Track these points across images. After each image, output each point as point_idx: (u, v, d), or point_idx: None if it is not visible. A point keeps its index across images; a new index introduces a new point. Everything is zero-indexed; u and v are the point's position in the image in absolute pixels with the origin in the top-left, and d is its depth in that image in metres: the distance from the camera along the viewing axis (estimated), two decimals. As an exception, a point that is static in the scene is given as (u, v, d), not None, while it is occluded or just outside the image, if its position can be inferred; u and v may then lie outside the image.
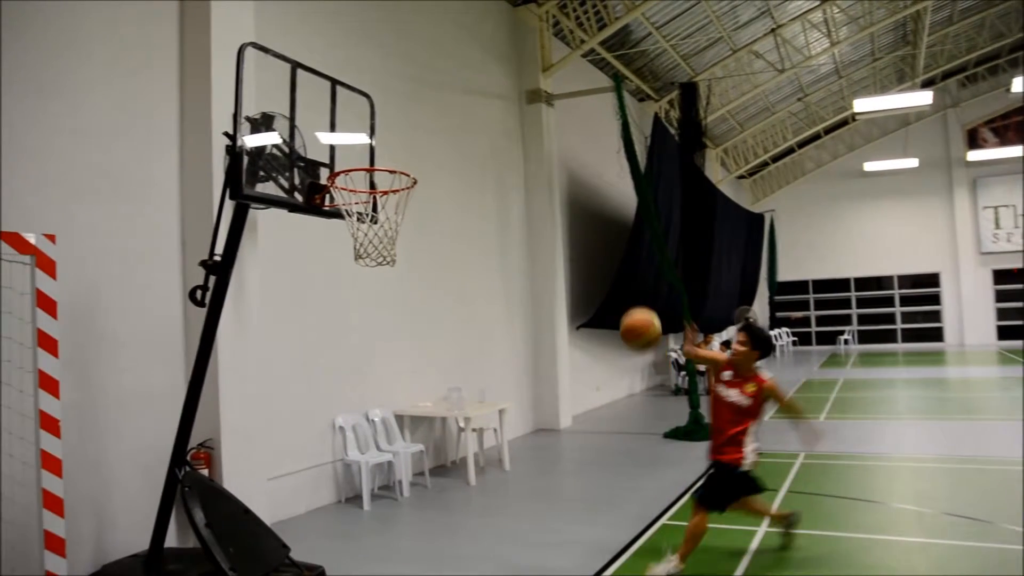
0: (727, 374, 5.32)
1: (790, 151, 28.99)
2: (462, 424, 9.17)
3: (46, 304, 4.61)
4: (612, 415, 14.46)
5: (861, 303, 29.45)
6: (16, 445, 4.66)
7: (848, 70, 23.21)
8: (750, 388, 5.22)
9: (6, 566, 4.71)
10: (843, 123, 27.81)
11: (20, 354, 4.67)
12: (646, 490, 8.15)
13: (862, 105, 18.06)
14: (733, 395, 5.23)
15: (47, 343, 4.58)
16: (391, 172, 5.41)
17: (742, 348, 5.25)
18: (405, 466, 8.37)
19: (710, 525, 6.04)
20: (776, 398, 5.28)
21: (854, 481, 8.24)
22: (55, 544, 4.50)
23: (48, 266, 4.63)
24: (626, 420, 13.92)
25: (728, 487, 5.30)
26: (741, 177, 29.16)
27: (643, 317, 5.39)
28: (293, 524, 7.18)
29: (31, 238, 4.56)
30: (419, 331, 9.86)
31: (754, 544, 6.02)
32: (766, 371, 5.37)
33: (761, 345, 5.28)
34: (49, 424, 4.55)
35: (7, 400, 4.68)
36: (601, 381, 15.77)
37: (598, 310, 14.30)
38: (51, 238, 4.66)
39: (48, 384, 4.57)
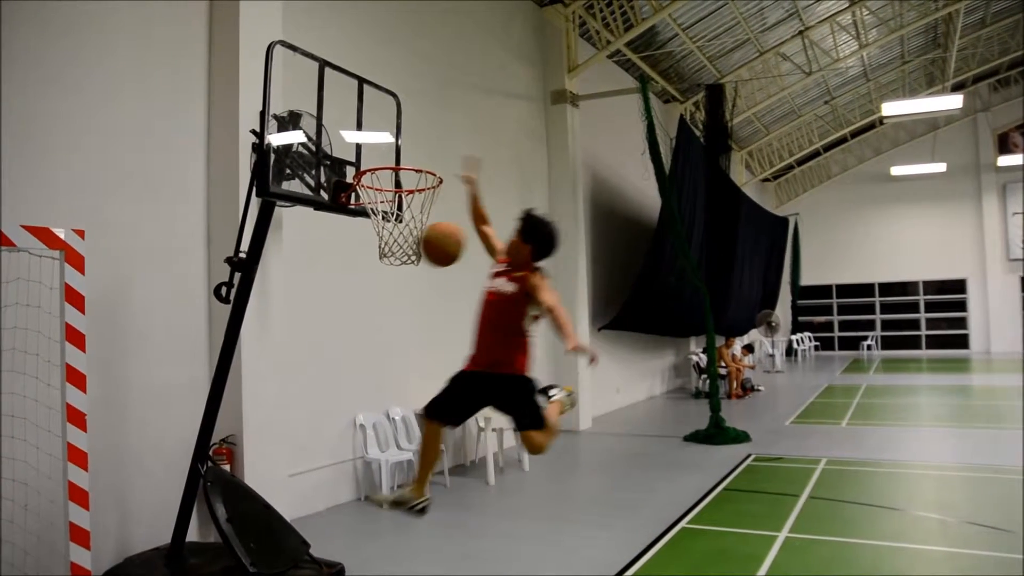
0: (499, 267, 4.82)
1: (816, 154, 28.75)
2: (482, 424, 9.18)
3: (74, 299, 4.66)
4: (632, 417, 14.42)
5: (885, 308, 29.16)
6: (43, 438, 4.73)
7: (877, 73, 22.98)
8: (516, 276, 4.64)
9: (32, 557, 4.77)
10: (870, 127, 27.54)
11: (48, 348, 4.74)
12: (665, 493, 8.12)
13: (890, 109, 17.87)
14: (498, 283, 4.70)
15: (75, 337, 4.64)
16: (417, 171, 5.43)
17: (514, 239, 4.76)
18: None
19: (728, 529, 6.03)
20: (537, 296, 4.51)
21: (876, 488, 8.16)
22: (80, 536, 4.55)
23: (77, 261, 4.69)
24: (646, 422, 13.88)
25: (515, 398, 4.66)
26: (766, 180, 28.96)
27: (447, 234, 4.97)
28: (313, 521, 7.22)
29: (60, 233, 4.61)
30: (440, 331, 9.86)
31: (773, 551, 5.98)
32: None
33: (533, 238, 4.71)
34: (76, 418, 4.60)
35: (35, 393, 4.74)
36: (621, 383, 15.72)
37: (620, 312, 14.26)
38: (80, 233, 4.71)
39: (75, 378, 4.62)
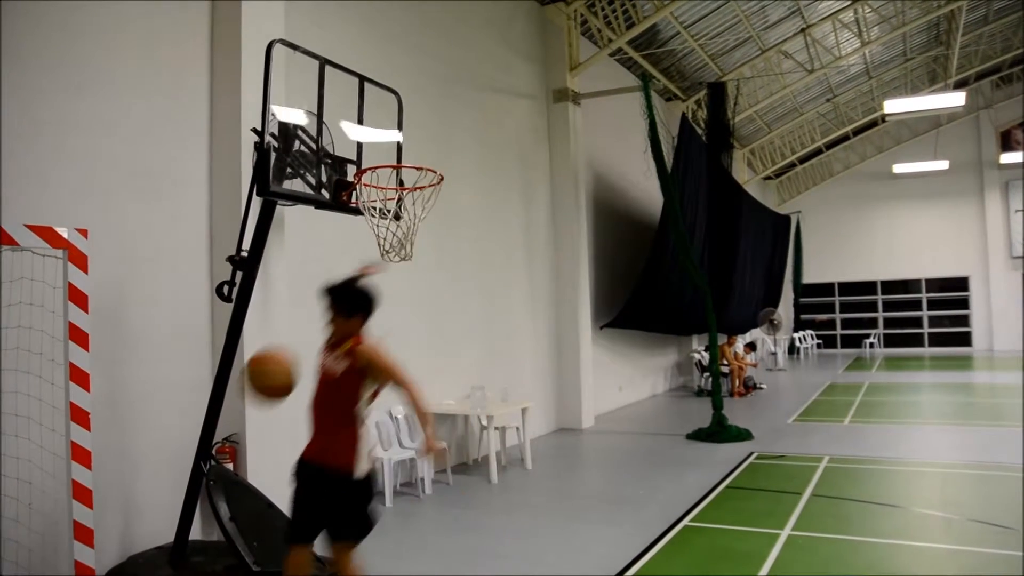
0: (330, 344, 4.16)
1: (818, 152, 28.72)
2: (484, 423, 9.18)
3: (77, 298, 4.67)
4: (635, 415, 14.42)
5: (887, 306, 29.13)
6: (47, 437, 4.74)
7: (879, 71, 22.95)
8: (344, 350, 4.01)
9: (36, 556, 4.79)
10: (872, 124, 27.50)
11: (52, 347, 4.75)
12: (668, 491, 8.12)
13: (892, 106, 17.85)
14: (328, 361, 4.07)
15: (78, 336, 4.64)
16: (418, 169, 5.44)
17: (330, 318, 4.14)
18: (427, 464, 8.39)
19: (730, 527, 6.01)
20: (380, 371, 3.96)
21: (878, 486, 8.16)
22: (84, 535, 4.57)
23: (80, 260, 4.70)
24: (649, 421, 13.88)
25: (328, 501, 4.00)
26: (768, 178, 28.94)
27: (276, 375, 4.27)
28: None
29: (63, 232, 4.62)
30: (443, 329, 9.88)
31: (776, 549, 5.98)
32: (377, 336, 4.20)
33: (343, 305, 4.08)
34: (79, 416, 4.62)
35: (39, 392, 4.76)
36: (624, 381, 15.73)
37: (622, 310, 14.26)
38: (83, 232, 4.72)
39: (79, 377, 4.63)
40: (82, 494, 4.54)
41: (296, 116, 5.41)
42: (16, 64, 5.14)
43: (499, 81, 11.75)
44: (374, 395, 4.05)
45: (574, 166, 13.06)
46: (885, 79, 23.63)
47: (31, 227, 4.49)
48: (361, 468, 3.98)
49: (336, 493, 3.98)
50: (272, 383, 4.25)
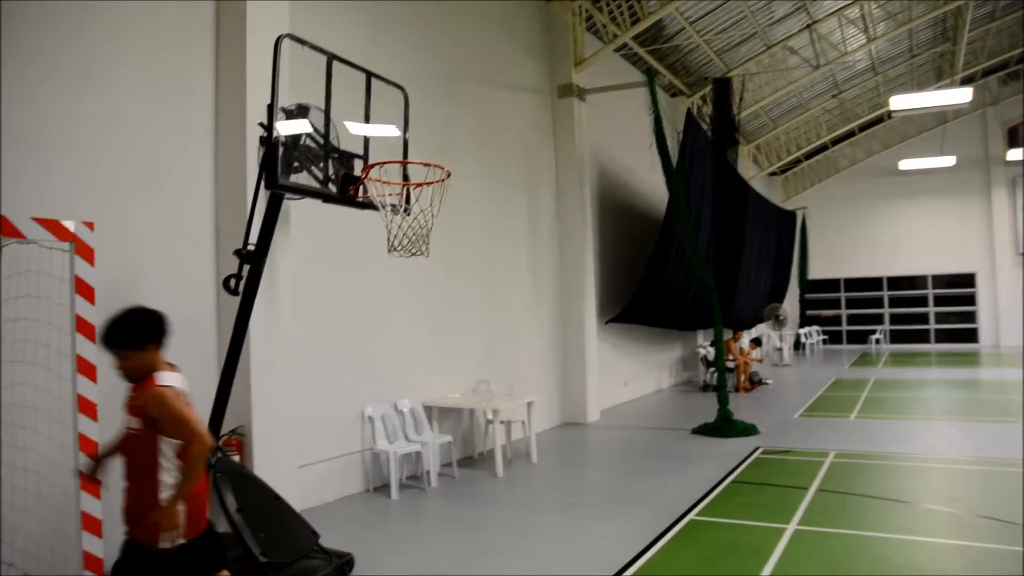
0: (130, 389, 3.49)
1: (823, 148, 28.65)
2: (490, 416, 9.20)
3: (84, 290, 4.70)
4: (640, 410, 14.42)
5: (894, 303, 29.06)
6: (55, 428, 4.76)
7: (885, 67, 22.88)
8: (139, 402, 3.38)
9: (45, 546, 4.81)
10: (878, 120, 27.42)
11: (59, 339, 4.78)
12: (673, 485, 8.12)
13: (899, 102, 17.79)
14: (130, 420, 3.41)
15: (85, 329, 4.67)
16: (425, 165, 5.45)
17: (115, 362, 3.45)
18: (433, 457, 8.41)
19: (736, 521, 6.00)
20: (166, 420, 3.28)
21: (885, 481, 8.15)
22: (92, 525, 4.59)
23: (86, 253, 4.73)
24: (654, 415, 13.87)
25: None
26: (773, 174, 28.88)
27: None
28: (322, 511, 7.25)
29: (70, 225, 4.65)
30: (449, 324, 9.90)
31: (782, 543, 5.98)
32: (175, 376, 3.53)
33: (121, 340, 3.42)
34: (87, 408, 4.64)
35: (46, 384, 4.79)
36: (629, 376, 15.73)
37: (627, 305, 14.26)
38: (90, 226, 4.75)
39: (86, 369, 4.66)
40: (89, 485, 4.57)
41: (303, 111, 5.43)
42: (23, 61, 5.17)
43: (503, 77, 11.75)
44: (182, 451, 3.29)
45: (579, 162, 13.05)
46: (891, 75, 23.55)
47: (38, 220, 4.52)
48: (179, 537, 3.28)
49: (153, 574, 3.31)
50: None
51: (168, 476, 3.32)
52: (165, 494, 3.29)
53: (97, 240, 4.80)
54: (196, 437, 3.27)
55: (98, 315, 4.81)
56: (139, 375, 3.44)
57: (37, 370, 4.77)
